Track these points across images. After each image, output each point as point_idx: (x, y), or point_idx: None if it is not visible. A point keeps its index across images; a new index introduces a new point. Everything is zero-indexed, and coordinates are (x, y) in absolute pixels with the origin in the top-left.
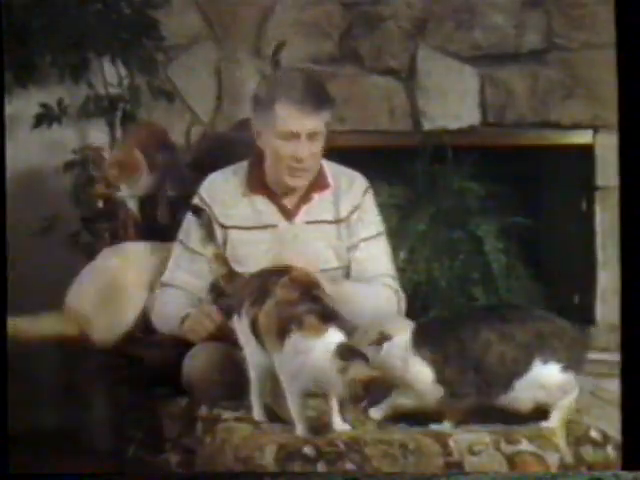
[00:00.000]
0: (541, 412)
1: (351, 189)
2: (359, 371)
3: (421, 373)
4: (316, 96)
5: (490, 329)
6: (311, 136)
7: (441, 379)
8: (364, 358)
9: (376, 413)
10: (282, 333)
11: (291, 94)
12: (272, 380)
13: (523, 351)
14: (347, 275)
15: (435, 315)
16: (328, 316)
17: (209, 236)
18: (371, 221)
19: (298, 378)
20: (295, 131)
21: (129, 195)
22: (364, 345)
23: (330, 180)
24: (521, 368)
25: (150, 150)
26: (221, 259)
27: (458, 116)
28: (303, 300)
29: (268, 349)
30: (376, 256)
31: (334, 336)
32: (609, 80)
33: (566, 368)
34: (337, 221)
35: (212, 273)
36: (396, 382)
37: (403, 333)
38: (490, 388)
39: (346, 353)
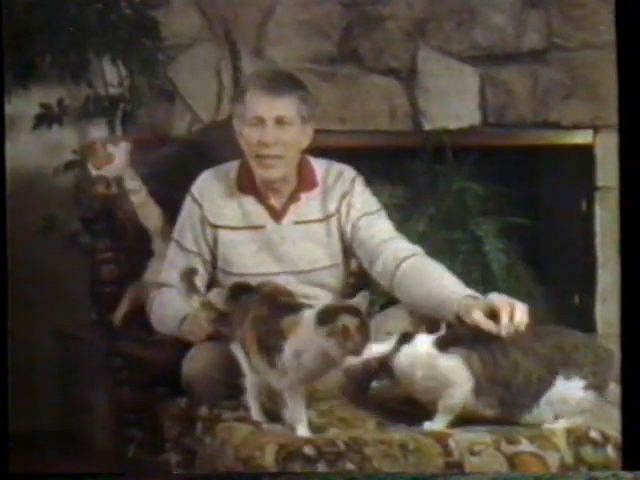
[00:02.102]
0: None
1: (338, 182)
2: (346, 320)
3: (452, 366)
4: (282, 81)
5: (514, 347)
6: (279, 122)
7: (472, 368)
8: (350, 311)
9: (437, 424)
10: (264, 350)
11: (259, 81)
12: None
13: (546, 367)
14: (344, 270)
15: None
16: (299, 309)
17: (193, 287)
18: (366, 201)
19: (303, 380)
20: (261, 115)
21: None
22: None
23: (318, 179)
24: (545, 386)
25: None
26: (208, 306)
27: (458, 116)
28: (272, 315)
29: (257, 368)
30: (382, 225)
31: (309, 313)
32: (609, 80)
33: (588, 387)
34: (327, 217)
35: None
36: (435, 390)
37: None
38: (514, 407)
39: (326, 316)
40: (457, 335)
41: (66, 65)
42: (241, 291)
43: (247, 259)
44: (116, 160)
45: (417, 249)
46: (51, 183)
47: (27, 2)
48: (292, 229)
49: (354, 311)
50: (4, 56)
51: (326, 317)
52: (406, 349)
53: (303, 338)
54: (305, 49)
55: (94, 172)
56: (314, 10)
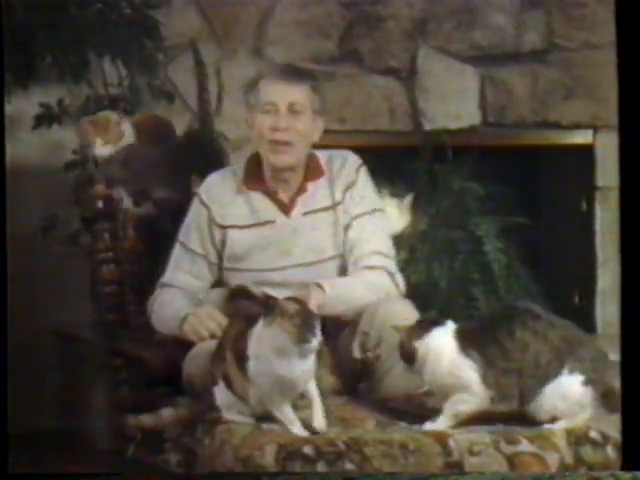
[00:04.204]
0: (553, 419)
1: (344, 169)
2: (283, 306)
3: (471, 376)
4: (295, 69)
5: (523, 327)
6: (291, 108)
7: (488, 381)
8: (289, 299)
9: (439, 425)
10: (240, 361)
11: (272, 70)
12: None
13: (555, 353)
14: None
15: (472, 319)
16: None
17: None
18: (365, 197)
19: (274, 384)
20: (274, 100)
21: (102, 154)
22: (373, 348)
23: (324, 167)
24: (552, 373)
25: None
26: None
27: (458, 116)
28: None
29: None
30: (370, 233)
31: None
32: (609, 80)
33: (588, 382)
34: (334, 205)
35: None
36: (449, 390)
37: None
38: (528, 392)
39: (268, 309)
40: (471, 329)
41: (66, 65)
42: (241, 296)
43: (256, 255)
44: (125, 138)
45: (387, 266)
46: (51, 183)
47: (27, 2)
48: (301, 220)
49: (293, 300)
50: (4, 56)
51: (268, 310)
52: (432, 337)
53: (257, 339)
54: (305, 49)
55: (100, 149)
56: (314, 10)
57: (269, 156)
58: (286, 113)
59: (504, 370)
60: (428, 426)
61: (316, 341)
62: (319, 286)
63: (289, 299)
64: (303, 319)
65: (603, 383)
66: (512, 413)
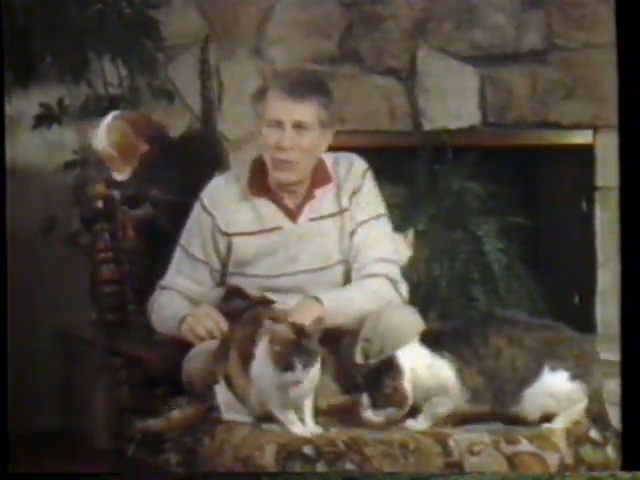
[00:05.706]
0: (547, 418)
1: (350, 173)
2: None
3: (448, 375)
4: (306, 86)
5: (498, 334)
6: (298, 126)
7: (463, 379)
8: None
9: (419, 424)
10: (243, 360)
11: (283, 83)
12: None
13: (533, 357)
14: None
15: (445, 322)
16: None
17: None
18: (370, 202)
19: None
20: (280, 118)
21: (122, 179)
22: (375, 354)
23: (331, 173)
24: (531, 375)
25: (144, 141)
26: None
27: (458, 116)
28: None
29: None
30: (375, 240)
31: None
32: (609, 80)
33: (575, 377)
34: (340, 212)
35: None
36: (430, 391)
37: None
38: (504, 396)
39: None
40: (439, 331)
41: (66, 65)
42: (236, 295)
43: (263, 261)
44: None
45: (389, 274)
46: (51, 183)
47: (27, 2)
48: (308, 226)
49: (294, 326)
50: (4, 56)
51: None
52: (404, 358)
53: (264, 343)
54: (305, 49)
55: (120, 175)
56: (314, 10)
57: (273, 172)
58: (291, 131)
59: (478, 371)
60: (410, 423)
61: (300, 373)
62: (317, 300)
63: (291, 325)
64: (287, 348)
65: (592, 378)
66: (487, 415)
